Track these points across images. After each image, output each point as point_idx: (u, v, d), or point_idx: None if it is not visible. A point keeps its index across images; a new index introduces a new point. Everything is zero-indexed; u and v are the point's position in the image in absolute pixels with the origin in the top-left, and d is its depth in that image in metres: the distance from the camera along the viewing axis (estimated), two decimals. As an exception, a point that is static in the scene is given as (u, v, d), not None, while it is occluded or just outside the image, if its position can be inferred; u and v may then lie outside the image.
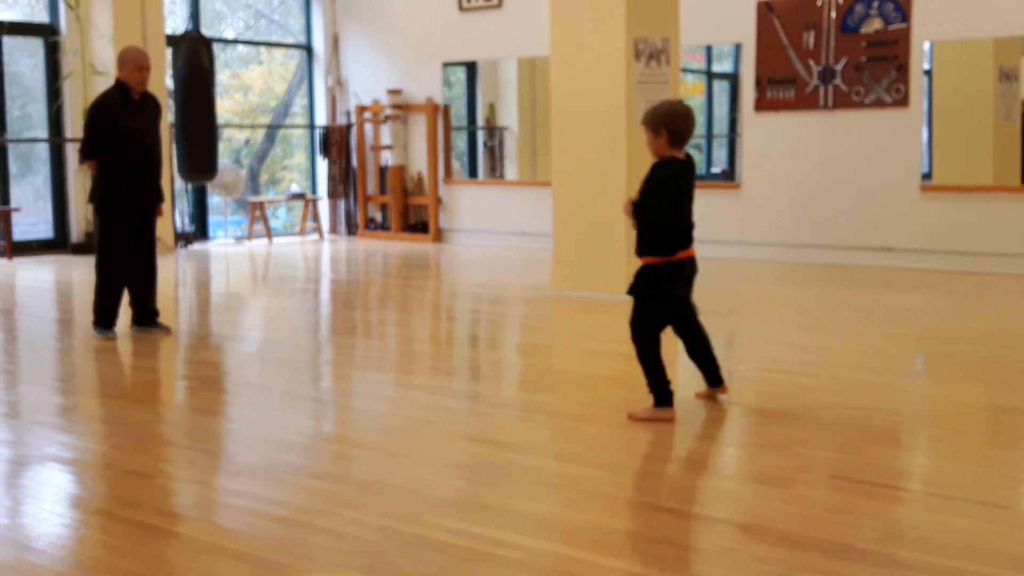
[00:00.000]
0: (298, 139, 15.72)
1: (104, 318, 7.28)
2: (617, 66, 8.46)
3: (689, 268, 5.13)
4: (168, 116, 12.72)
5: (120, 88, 7.18)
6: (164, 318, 7.60)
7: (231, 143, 15.24)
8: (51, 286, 10.28)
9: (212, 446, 4.86)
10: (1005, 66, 10.45)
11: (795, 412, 5.17)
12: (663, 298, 5.10)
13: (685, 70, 13.07)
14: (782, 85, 11.12)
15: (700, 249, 11.54)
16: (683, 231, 5.06)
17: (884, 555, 3.35)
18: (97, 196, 7.20)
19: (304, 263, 12.20)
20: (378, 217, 14.63)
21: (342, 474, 4.34)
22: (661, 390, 5.05)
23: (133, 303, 7.44)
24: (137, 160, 7.18)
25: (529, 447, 4.69)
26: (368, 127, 14.52)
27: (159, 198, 7.41)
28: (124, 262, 7.28)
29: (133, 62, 7.13)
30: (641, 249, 5.07)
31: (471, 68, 14.11)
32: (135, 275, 7.36)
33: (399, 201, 14.15)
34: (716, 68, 13.75)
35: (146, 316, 7.43)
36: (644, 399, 5.49)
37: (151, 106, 7.34)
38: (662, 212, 4.97)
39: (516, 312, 8.65)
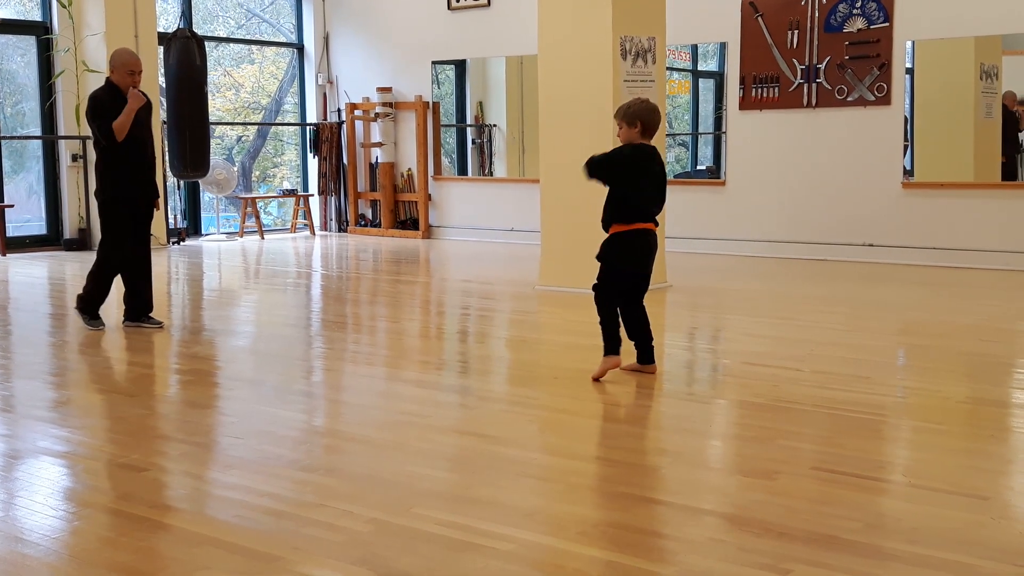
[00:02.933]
0: (289, 136, 15.74)
1: (93, 306, 7.36)
2: (604, 65, 8.51)
3: (650, 240, 5.76)
4: (160, 114, 12.73)
5: (111, 87, 7.25)
6: (157, 313, 7.64)
7: (223, 141, 15.26)
8: (44, 282, 10.30)
9: (204, 439, 4.89)
10: (986, 64, 10.53)
11: (779, 405, 5.22)
12: (624, 264, 5.74)
13: (671, 69, 13.10)
14: (766, 83, 11.19)
15: (685, 245, 11.72)
16: (642, 207, 5.70)
17: (868, 545, 3.39)
18: (102, 192, 7.30)
19: (295, 259, 12.22)
20: (368, 213, 14.67)
21: (333, 467, 4.37)
22: (611, 342, 5.72)
23: (128, 297, 7.49)
24: (133, 156, 7.25)
25: (517, 440, 4.74)
26: (359, 125, 14.55)
27: (155, 193, 7.49)
28: (124, 256, 7.35)
29: (124, 67, 7.23)
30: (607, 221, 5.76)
31: (460, 66, 14.15)
32: (132, 270, 7.42)
33: (389, 198, 14.19)
34: (702, 67, 13.79)
35: (140, 311, 7.49)
36: (628, 389, 5.56)
37: (143, 103, 7.38)
38: (604, 174, 5.73)
39: (504, 307, 8.70)
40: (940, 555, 3.32)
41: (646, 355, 5.86)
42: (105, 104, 7.18)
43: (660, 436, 4.96)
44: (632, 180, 5.70)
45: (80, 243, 12.44)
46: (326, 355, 6.87)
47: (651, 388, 5.77)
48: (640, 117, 5.68)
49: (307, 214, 14.64)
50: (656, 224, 5.79)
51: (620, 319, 5.80)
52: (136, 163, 7.29)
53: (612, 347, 5.73)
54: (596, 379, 5.71)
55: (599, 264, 5.82)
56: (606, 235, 5.78)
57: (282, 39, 15.29)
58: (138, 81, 7.27)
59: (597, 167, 5.77)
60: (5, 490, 4.13)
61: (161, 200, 12.53)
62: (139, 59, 7.38)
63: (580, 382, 5.72)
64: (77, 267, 10.72)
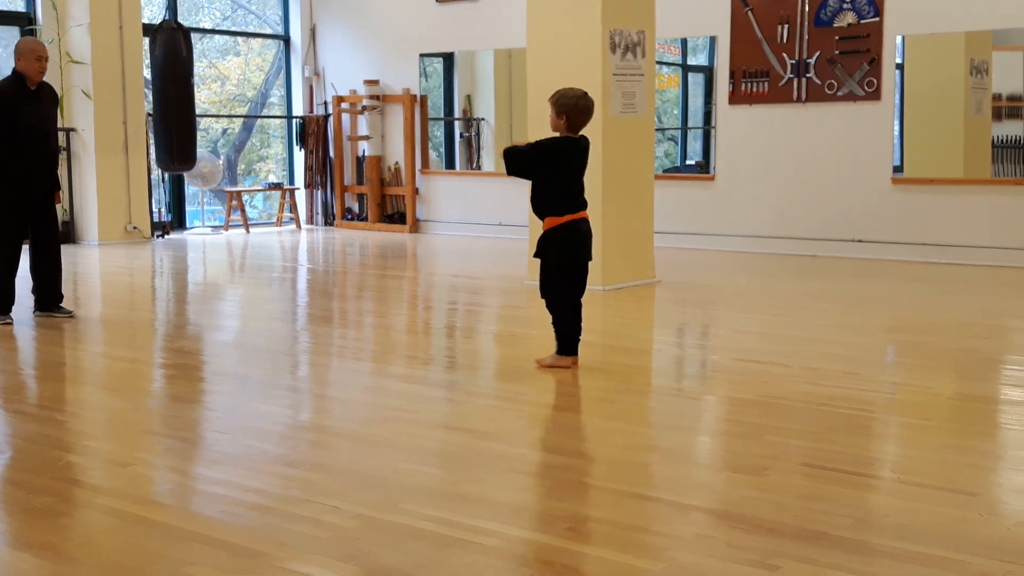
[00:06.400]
0: (275, 129, 15.69)
1: (2, 303, 7.36)
2: (593, 58, 8.49)
3: (585, 228, 5.81)
4: (145, 106, 12.69)
5: (17, 78, 7.30)
6: (141, 307, 7.62)
7: (208, 133, 15.19)
8: (25, 274, 10.22)
9: (189, 434, 4.87)
10: (976, 60, 10.55)
11: (768, 401, 5.22)
12: (565, 257, 5.78)
13: (660, 63, 13.12)
14: (756, 78, 11.19)
15: (674, 240, 11.73)
16: (574, 197, 5.75)
17: (857, 541, 3.39)
18: None
19: (281, 253, 12.19)
20: (355, 207, 14.63)
21: (319, 462, 4.35)
22: (565, 340, 5.81)
23: (37, 288, 7.55)
24: (34, 148, 7.29)
25: (505, 436, 4.72)
26: (345, 118, 14.50)
27: (56, 186, 7.56)
28: (19, 248, 7.40)
29: (32, 52, 7.27)
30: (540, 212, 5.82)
31: (448, 59, 14.12)
32: (40, 261, 7.49)
33: (376, 191, 14.15)
34: (691, 61, 13.81)
35: (50, 300, 7.54)
36: (617, 386, 5.55)
37: (47, 95, 7.47)
38: (527, 170, 5.75)
39: (492, 302, 8.68)
40: (929, 551, 3.32)
41: (574, 346, 5.88)
42: (7, 97, 7.21)
43: (649, 432, 4.95)
44: (559, 171, 5.73)
45: (63, 236, 12.36)
46: (312, 350, 6.84)
47: (640, 384, 5.77)
48: (567, 111, 5.68)
49: (293, 208, 14.59)
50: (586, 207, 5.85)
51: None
52: (37, 156, 7.32)
53: (569, 347, 5.82)
54: (543, 366, 5.82)
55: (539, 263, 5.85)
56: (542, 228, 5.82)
57: (268, 31, 15.23)
58: (45, 67, 7.32)
59: (518, 161, 5.74)
60: (-13, 485, 4.10)
61: (143, 194, 12.61)
62: (44, 46, 7.46)
63: (568, 378, 5.71)
64: (64, 259, 10.63)
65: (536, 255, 5.86)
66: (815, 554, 3.29)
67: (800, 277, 9.64)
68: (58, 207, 7.74)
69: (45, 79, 7.44)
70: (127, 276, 10.35)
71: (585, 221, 5.82)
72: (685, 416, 5.16)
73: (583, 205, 5.81)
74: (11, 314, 7.39)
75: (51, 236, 7.55)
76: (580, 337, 5.88)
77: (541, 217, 5.82)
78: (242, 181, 15.47)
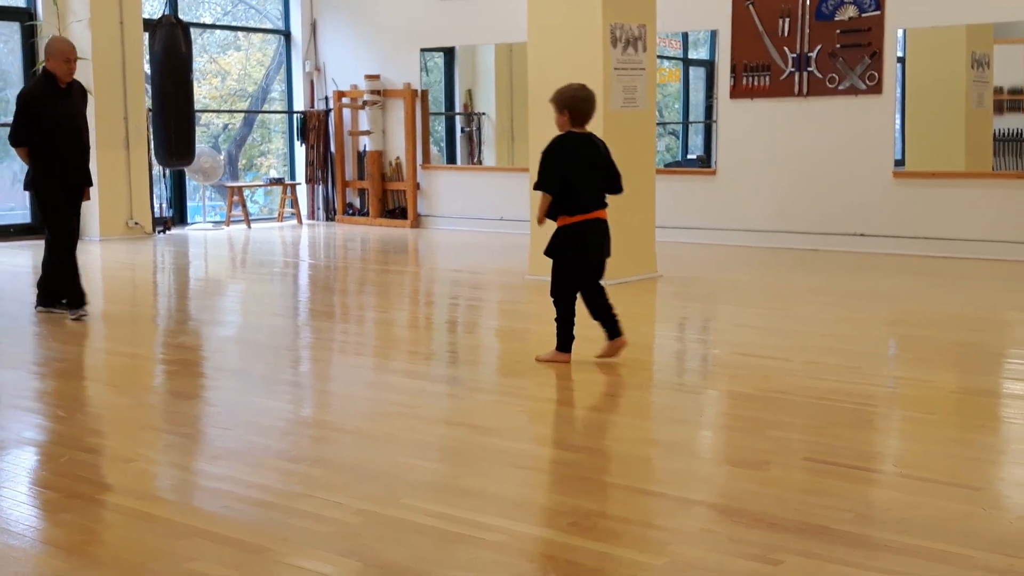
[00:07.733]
0: (276, 124, 15.68)
1: (51, 297, 7.39)
2: (594, 52, 8.47)
3: (598, 229, 5.72)
4: (145, 101, 12.68)
5: (47, 77, 7.31)
6: (143, 303, 7.63)
7: (209, 129, 15.18)
8: (28, 271, 10.23)
9: (191, 430, 4.86)
10: (977, 53, 10.54)
11: (770, 395, 5.21)
12: (574, 255, 5.72)
13: (662, 57, 13.11)
14: (757, 72, 11.17)
15: (676, 235, 11.72)
16: (582, 196, 5.64)
17: (859, 536, 3.38)
18: (34, 182, 7.31)
19: (282, 248, 12.18)
20: (356, 202, 14.62)
21: (321, 458, 4.35)
22: (565, 337, 5.77)
23: (44, 282, 7.51)
24: (66, 145, 7.29)
25: (506, 431, 4.72)
26: (346, 112, 14.49)
27: (88, 181, 7.54)
28: (72, 247, 7.43)
29: (61, 54, 7.27)
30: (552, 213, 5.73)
31: (449, 54, 14.10)
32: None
33: (377, 186, 14.14)
34: (692, 55, 13.80)
35: (53, 297, 7.51)
36: (618, 380, 5.55)
37: (78, 92, 7.50)
38: (553, 180, 5.62)
39: (494, 297, 8.68)
40: (931, 545, 3.31)
41: (615, 329, 5.80)
42: (36, 98, 7.24)
43: (650, 426, 4.94)
44: (566, 171, 5.63)
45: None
46: (314, 345, 6.84)
47: (641, 379, 5.76)
48: (567, 105, 5.64)
49: (294, 203, 14.58)
50: (604, 207, 5.75)
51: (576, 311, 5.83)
52: (69, 151, 7.32)
53: (567, 344, 5.80)
54: (541, 362, 5.82)
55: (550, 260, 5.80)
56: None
57: (269, 26, 15.21)
58: (74, 68, 7.34)
59: (542, 180, 5.68)
60: (-11, 481, 4.10)
61: (143, 189, 12.62)
62: (75, 47, 7.45)
63: (570, 372, 5.70)
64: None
65: (546, 253, 5.81)
66: (817, 548, 3.29)
67: (801, 271, 9.63)
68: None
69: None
70: (128, 272, 10.35)
71: (600, 221, 5.72)
72: (686, 410, 5.15)
73: (598, 205, 5.71)
74: (85, 308, 7.40)
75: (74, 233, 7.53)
76: (616, 315, 5.80)
77: (555, 218, 5.75)
78: (243, 176, 15.46)
